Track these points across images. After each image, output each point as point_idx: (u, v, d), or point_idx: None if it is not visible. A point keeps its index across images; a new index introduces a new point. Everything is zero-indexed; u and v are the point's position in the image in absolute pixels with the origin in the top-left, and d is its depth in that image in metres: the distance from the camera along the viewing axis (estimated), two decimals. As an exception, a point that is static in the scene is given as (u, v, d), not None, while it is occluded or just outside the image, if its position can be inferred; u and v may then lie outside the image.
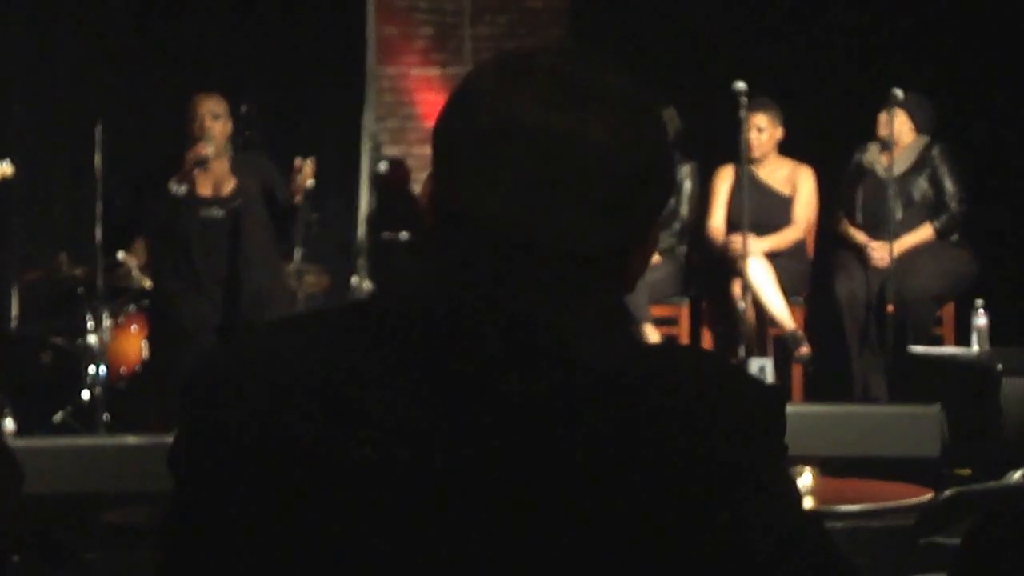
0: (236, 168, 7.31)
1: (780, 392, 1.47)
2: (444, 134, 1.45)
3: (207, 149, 7.09)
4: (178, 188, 7.06)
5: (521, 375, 1.38)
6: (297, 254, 7.83)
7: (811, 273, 8.21)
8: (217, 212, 7.23)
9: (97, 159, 7.49)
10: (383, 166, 8.98)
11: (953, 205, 7.93)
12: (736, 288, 7.82)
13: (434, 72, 9.51)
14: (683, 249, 8.36)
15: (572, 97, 1.41)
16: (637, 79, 1.48)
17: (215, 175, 7.25)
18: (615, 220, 1.42)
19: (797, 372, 7.94)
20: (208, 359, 1.49)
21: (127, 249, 7.83)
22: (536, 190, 1.40)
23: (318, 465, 1.38)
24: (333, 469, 1.37)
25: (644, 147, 1.43)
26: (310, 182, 7.17)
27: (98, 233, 7.46)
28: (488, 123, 1.41)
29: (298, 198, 7.17)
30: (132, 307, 7.85)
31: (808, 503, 4.97)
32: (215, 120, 7.22)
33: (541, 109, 1.40)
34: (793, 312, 7.93)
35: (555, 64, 1.44)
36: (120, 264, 7.75)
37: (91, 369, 7.57)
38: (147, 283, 7.73)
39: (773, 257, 7.96)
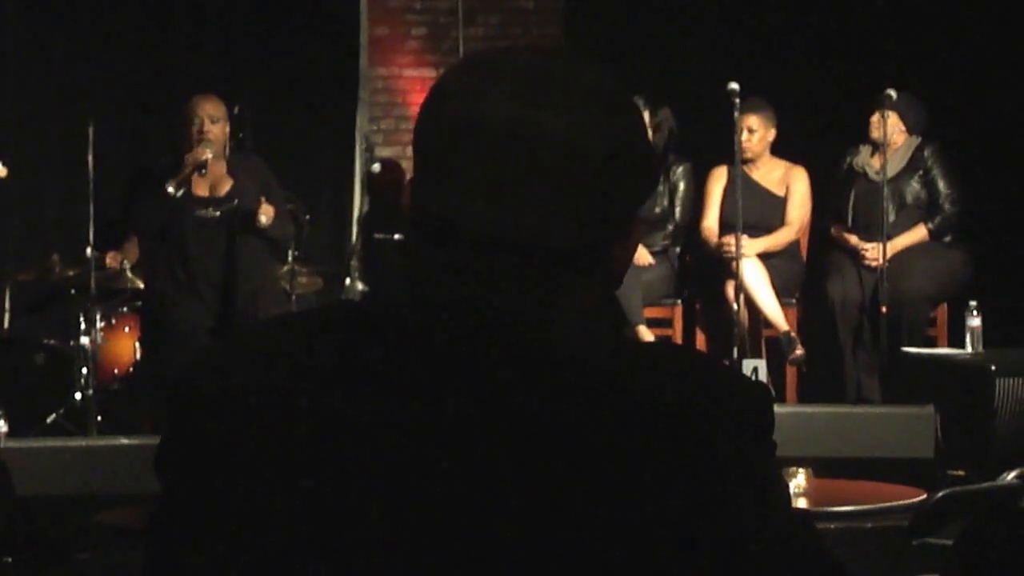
0: (232, 170, 7.31)
1: (767, 390, 1.46)
2: (418, 134, 1.46)
3: (206, 154, 7.07)
4: (176, 191, 7.05)
5: (500, 374, 1.38)
6: (290, 255, 7.83)
7: (805, 274, 8.21)
8: (212, 212, 7.23)
9: (90, 159, 7.48)
10: (376, 167, 8.97)
11: (946, 206, 7.93)
12: (730, 289, 7.82)
13: (427, 73, 9.50)
14: (677, 250, 8.36)
15: (538, 93, 1.41)
16: (615, 74, 1.47)
17: (212, 176, 7.25)
18: (585, 215, 1.41)
19: (791, 373, 7.94)
20: (195, 360, 1.50)
21: (117, 249, 7.82)
22: (502, 187, 1.39)
23: (304, 466, 1.38)
24: (319, 470, 1.37)
25: (614, 141, 1.42)
26: None
27: (91, 234, 7.45)
28: (454, 120, 1.41)
29: None
30: (124, 308, 7.84)
31: (802, 504, 4.97)
32: (214, 124, 7.21)
33: (506, 105, 1.40)
34: (787, 313, 7.92)
35: (525, 60, 1.43)
36: (105, 265, 7.73)
37: (83, 370, 7.55)
38: (140, 284, 7.72)
39: (767, 258, 7.95)
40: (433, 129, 1.43)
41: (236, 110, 7.65)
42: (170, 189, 7.05)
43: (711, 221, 8.19)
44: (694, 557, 1.35)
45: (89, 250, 7.48)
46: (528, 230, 1.40)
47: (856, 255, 7.91)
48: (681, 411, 1.37)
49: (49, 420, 7.58)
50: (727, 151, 7.90)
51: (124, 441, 6.29)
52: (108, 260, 7.76)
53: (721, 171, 8.19)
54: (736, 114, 7.71)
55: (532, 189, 1.39)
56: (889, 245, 7.67)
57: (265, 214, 7.16)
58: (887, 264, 7.60)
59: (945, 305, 7.93)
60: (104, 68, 8.95)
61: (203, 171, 7.11)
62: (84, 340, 7.57)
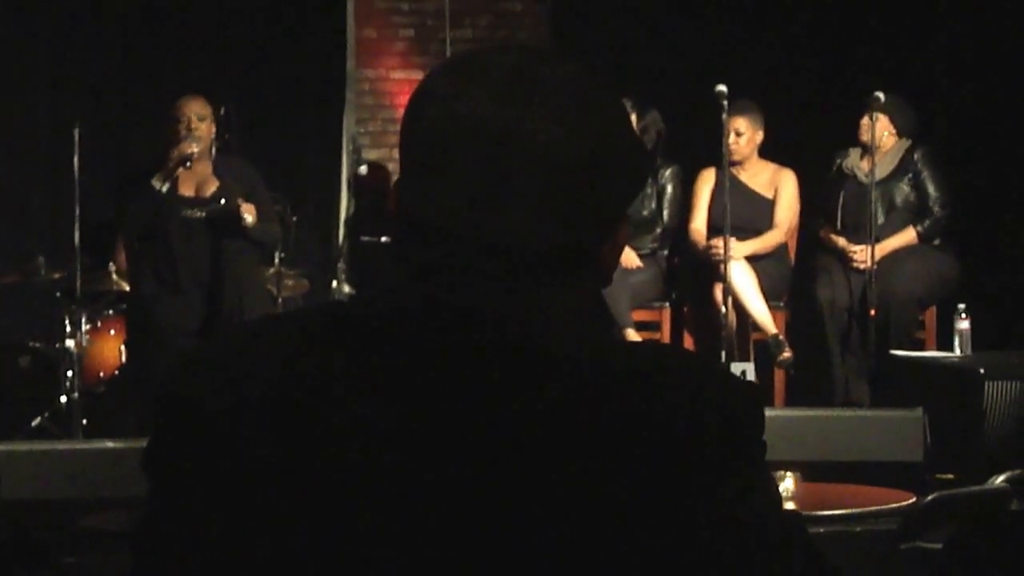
0: (218, 171, 7.30)
1: (757, 389, 1.45)
2: (403, 136, 1.46)
3: (192, 148, 7.07)
4: (162, 185, 7.05)
5: (488, 375, 1.37)
6: (276, 257, 7.81)
7: (793, 277, 8.21)
8: (198, 212, 7.21)
9: (75, 161, 7.46)
10: (363, 169, 8.97)
11: (936, 209, 7.93)
12: (718, 292, 7.81)
13: (414, 75, 9.49)
14: (665, 253, 8.36)
15: (518, 92, 1.40)
16: (602, 74, 1.45)
17: (198, 176, 7.24)
18: (570, 215, 1.41)
19: (779, 376, 7.93)
20: (184, 361, 1.49)
21: (111, 255, 7.81)
22: (486, 188, 1.39)
23: (293, 467, 1.37)
24: (308, 471, 1.37)
25: (596, 140, 1.41)
26: None
27: (76, 236, 7.44)
28: (438, 122, 1.41)
29: None
30: (110, 311, 7.83)
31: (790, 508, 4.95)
32: (201, 122, 7.21)
33: (489, 106, 1.39)
34: (775, 316, 7.92)
35: (508, 61, 1.43)
36: (109, 273, 7.75)
37: (69, 374, 7.53)
38: (125, 286, 7.71)
39: (755, 261, 7.95)
40: (417, 131, 1.43)
41: (222, 112, 7.64)
42: (156, 184, 7.05)
43: (699, 224, 8.19)
44: (685, 557, 1.35)
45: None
46: (513, 232, 1.39)
47: (844, 258, 7.91)
48: (671, 410, 1.37)
49: (34, 423, 7.56)
50: (715, 153, 7.89)
51: (110, 444, 6.26)
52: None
53: (709, 173, 8.18)
54: (724, 116, 7.71)
55: (516, 190, 1.39)
56: (878, 247, 7.67)
57: (249, 212, 7.14)
58: (875, 267, 7.60)
59: (934, 308, 7.93)
60: (90, 70, 8.94)
61: (188, 164, 7.09)
62: (69, 343, 7.56)
